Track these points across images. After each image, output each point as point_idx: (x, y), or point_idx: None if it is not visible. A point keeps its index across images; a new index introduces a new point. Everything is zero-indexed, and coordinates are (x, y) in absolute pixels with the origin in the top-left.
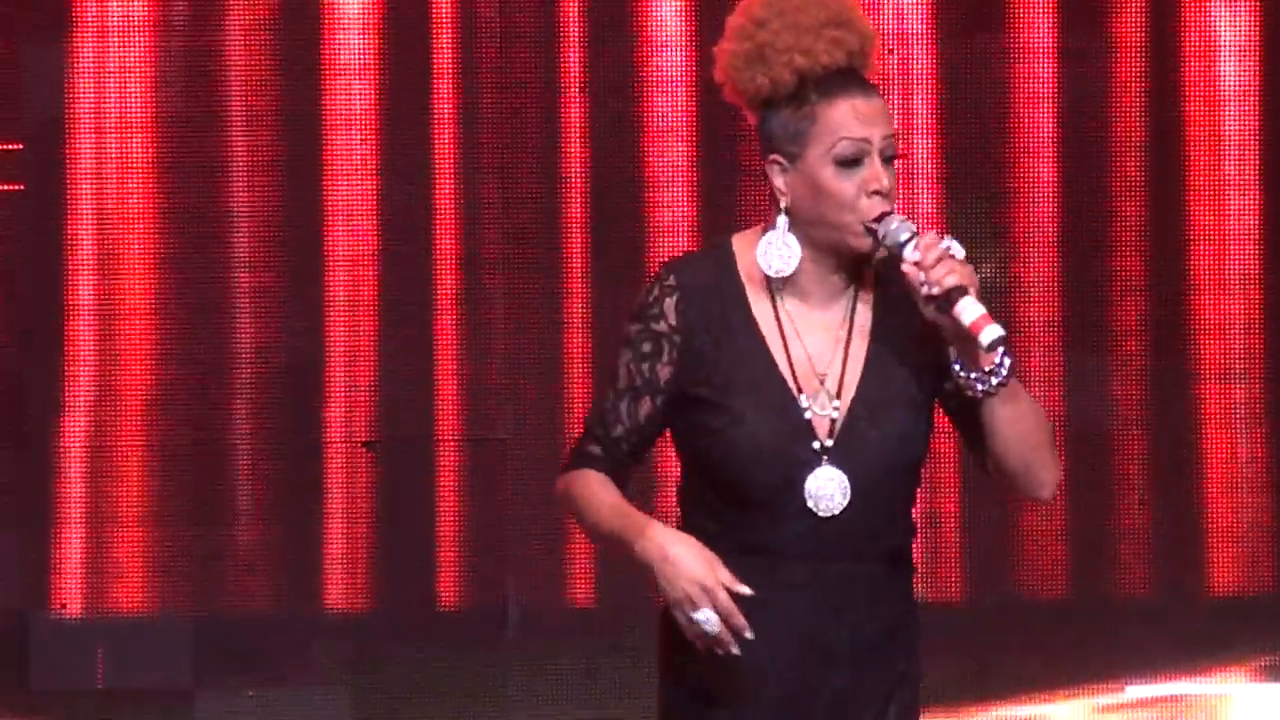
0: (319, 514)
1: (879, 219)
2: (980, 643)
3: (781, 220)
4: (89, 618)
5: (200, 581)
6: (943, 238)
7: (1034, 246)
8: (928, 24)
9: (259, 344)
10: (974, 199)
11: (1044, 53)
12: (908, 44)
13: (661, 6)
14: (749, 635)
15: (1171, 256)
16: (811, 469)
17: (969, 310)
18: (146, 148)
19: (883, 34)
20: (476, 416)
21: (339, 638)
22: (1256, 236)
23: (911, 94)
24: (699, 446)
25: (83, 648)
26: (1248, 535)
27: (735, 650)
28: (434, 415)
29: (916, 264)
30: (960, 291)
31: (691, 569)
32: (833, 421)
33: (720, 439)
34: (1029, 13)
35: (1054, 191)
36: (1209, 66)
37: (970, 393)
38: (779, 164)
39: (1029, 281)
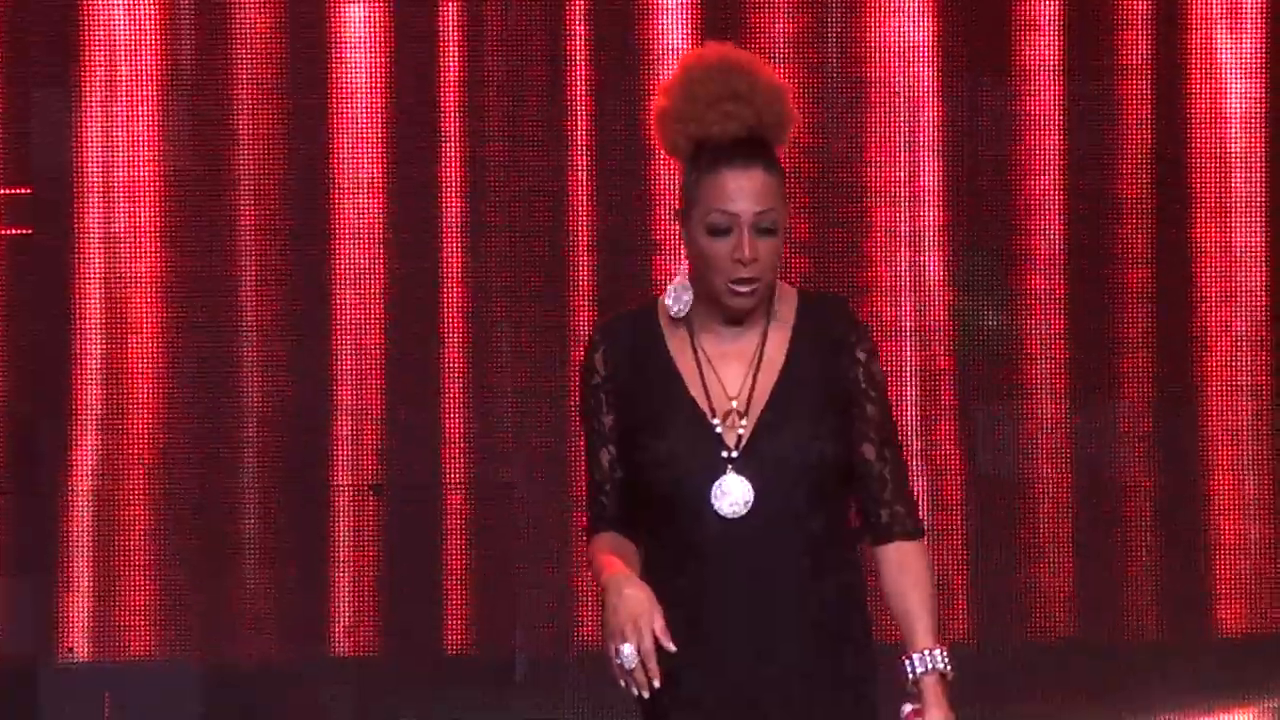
0: (326, 560)
1: None
2: (988, 686)
3: (683, 268)
4: (97, 664)
5: (207, 627)
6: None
7: (1040, 298)
8: (934, 72)
9: (266, 390)
10: (980, 253)
11: (1051, 102)
12: (915, 92)
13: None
14: (657, 684)
15: (1180, 311)
16: (719, 476)
17: None
18: (153, 190)
19: (890, 81)
20: (483, 461)
21: (345, 683)
22: (1264, 294)
23: (917, 144)
24: (632, 465)
25: (90, 694)
26: (1255, 576)
27: (645, 693)
28: (441, 460)
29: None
30: None
31: (632, 607)
32: (739, 436)
33: (643, 454)
34: (1035, 59)
35: (1060, 244)
36: (1218, 119)
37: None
38: (680, 215)
39: (1036, 332)
